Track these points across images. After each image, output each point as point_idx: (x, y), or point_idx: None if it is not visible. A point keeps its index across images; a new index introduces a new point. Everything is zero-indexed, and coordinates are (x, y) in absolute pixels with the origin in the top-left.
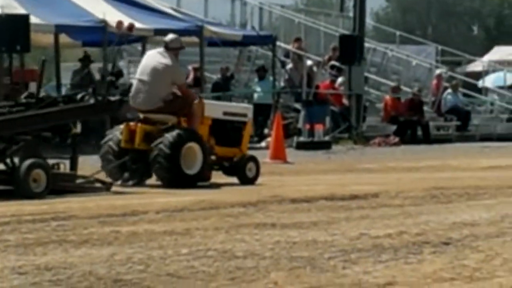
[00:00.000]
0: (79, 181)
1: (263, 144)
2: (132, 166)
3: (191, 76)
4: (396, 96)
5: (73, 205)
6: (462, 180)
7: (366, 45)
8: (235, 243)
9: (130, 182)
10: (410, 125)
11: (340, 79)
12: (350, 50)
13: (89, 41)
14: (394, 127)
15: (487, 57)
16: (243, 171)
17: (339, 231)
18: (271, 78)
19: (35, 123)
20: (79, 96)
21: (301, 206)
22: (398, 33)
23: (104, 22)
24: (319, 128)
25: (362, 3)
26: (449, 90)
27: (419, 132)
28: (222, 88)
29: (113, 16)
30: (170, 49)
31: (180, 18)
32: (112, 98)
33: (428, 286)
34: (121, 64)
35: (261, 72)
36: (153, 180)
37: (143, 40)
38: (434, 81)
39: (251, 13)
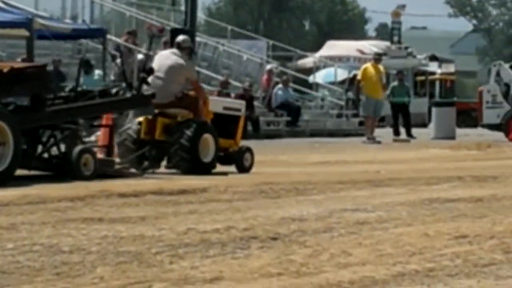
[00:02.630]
0: (117, 166)
1: (92, 138)
2: (151, 156)
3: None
4: (225, 91)
5: None
6: (291, 175)
7: (198, 39)
8: (61, 237)
9: (150, 170)
10: None
11: None
12: None
13: None
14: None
15: (319, 53)
16: (241, 161)
17: (167, 225)
18: (96, 72)
19: (79, 113)
20: (113, 90)
21: (129, 200)
22: (229, 27)
23: None
24: None
25: None
26: (280, 85)
27: (249, 127)
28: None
29: None
30: (183, 48)
31: (9, 10)
32: (146, 93)
33: (255, 281)
34: None
35: (87, 67)
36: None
37: None
38: (265, 76)
39: (82, 6)
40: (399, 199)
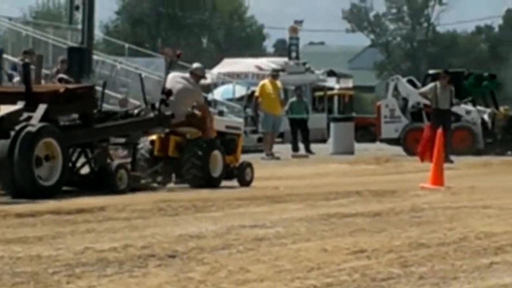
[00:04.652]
0: (143, 181)
1: None
2: (164, 171)
3: None
4: (124, 109)
5: None
6: (190, 192)
7: (95, 57)
8: None
9: (166, 185)
10: None
11: None
12: (78, 62)
13: None
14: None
15: (216, 70)
16: (243, 175)
17: (64, 245)
18: None
19: (115, 132)
20: (135, 111)
21: (27, 220)
22: (127, 45)
23: None
24: None
25: (91, 16)
26: None
27: None
28: None
29: None
30: (195, 75)
31: None
32: (167, 113)
33: None
34: None
35: None
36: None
37: None
38: None
39: None
40: (297, 214)
